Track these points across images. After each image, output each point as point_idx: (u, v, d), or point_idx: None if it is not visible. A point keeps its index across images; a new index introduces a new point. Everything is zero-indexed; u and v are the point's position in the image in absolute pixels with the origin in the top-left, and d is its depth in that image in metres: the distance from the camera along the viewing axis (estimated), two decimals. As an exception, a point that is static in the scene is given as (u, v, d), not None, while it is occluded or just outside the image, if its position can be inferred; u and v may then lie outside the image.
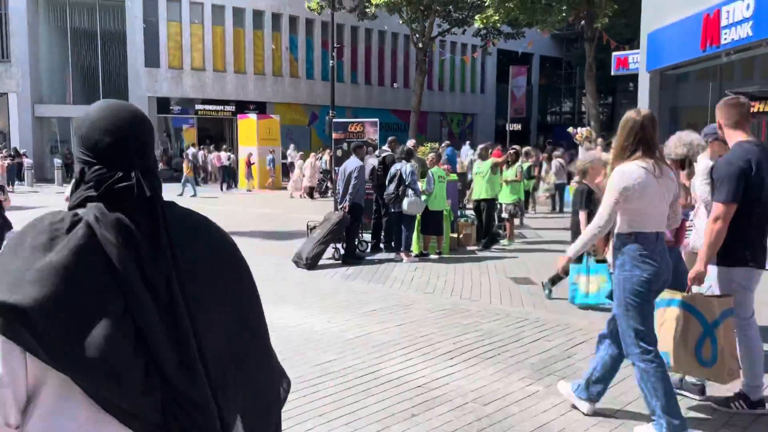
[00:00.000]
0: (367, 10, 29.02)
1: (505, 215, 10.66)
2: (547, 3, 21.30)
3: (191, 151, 28.21)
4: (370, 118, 11.83)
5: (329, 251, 9.20)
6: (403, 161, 9.12)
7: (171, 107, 31.18)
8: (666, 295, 3.76)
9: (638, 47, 28.55)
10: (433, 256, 9.59)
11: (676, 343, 3.74)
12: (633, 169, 3.39)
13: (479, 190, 10.19)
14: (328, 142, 31.72)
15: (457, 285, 7.90)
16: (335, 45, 28.48)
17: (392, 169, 9.11)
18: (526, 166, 11.57)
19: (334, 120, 12.05)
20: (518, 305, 7.03)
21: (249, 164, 24.95)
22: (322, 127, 35.50)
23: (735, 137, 3.76)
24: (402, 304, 6.95)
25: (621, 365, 3.95)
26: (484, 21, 21.72)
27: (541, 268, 8.80)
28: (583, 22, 23.13)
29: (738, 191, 3.59)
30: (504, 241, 10.56)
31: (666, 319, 3.79)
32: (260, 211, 16.60)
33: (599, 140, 16.09)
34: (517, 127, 43.15)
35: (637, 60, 16.19)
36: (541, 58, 46.40)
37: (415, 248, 9.63)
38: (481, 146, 10.69)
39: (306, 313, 6.59)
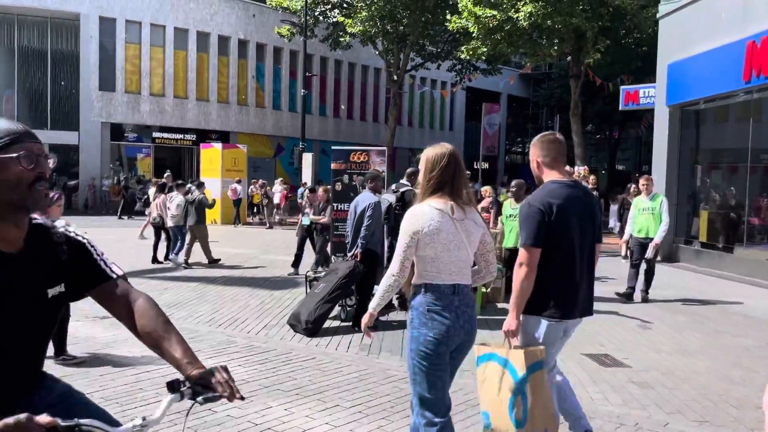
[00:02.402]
0: (342, 39, 27.69)
1: None
2: (537, 37, 20.32)
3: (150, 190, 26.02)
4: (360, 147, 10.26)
5: (335, 309, 7.45)
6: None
7: (126, 134, 28.94)
8: (487, 348, 3.56)
9: (627, 83, 28.08)
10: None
11: (492, 401, 3.51)
12: (425, 211, 3.12)
13: (513, 237, 8.51)
14: (294, 174, 30.13)
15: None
16: (307, 74, 27.05)
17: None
18: None
19: (334, 147, 10.36)
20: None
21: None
22: (288, 160, 33.82)
23: (549, 176, 3.56)
24: (471, 403, 4.84)
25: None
26: (471, 53, 20.60)
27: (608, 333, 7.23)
28: (569, 58, 22.32)
29: (538, 234, 3.41)
30: None
31: (487, 375, 3.55)
32: (235, 251, 14.66)
33: (591, 178, 15.00)
34: (486, 165, 42.66)
35: (649, 94, 15.15)
36: (509, 98, 46.04)
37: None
38: (514, 184, 8.98)
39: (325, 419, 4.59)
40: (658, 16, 14.14)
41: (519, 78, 45.08)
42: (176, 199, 12.10)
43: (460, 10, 19.97)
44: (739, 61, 10.66)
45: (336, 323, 7.52)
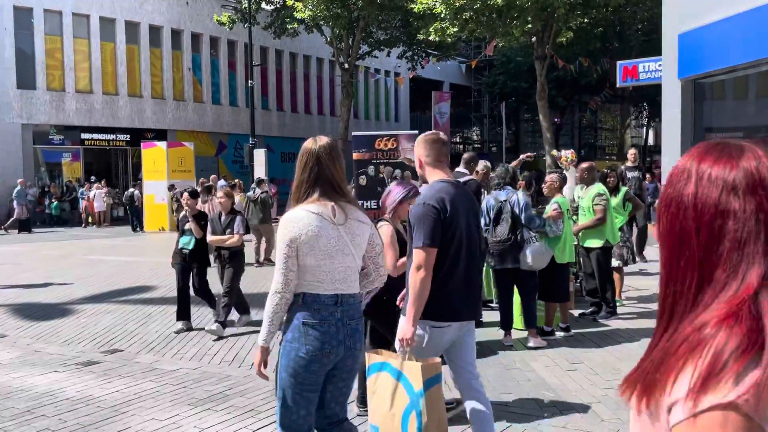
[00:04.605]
0: (288, 26, 25.84)
1: (617, 262, 7.68)
2: (506, 16, 19.27)
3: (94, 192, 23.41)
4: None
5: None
6: (508, 188, 6.05)
7: (50, 136, 26.05)
8: (380, 357, 3.37)
9: (585, 65, 27.40)
10: (559, 334, 6.46)
11: (384, 416, 3.30)
12: (300, 216, 2.80)
13: (595, 233, 7.14)
14: (241, 174, 28.03)
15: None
16: (254, 65, 25.11)
17: (488, 202, 6.03)
18: (623, 191, 8.22)
19: (354, 133, 8.76)
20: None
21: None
22: (232, 158, 31.65)
23: (434, 175, 3.44)
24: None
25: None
26: (440, 33, 19.35)
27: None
28: (534, 38, 21.44)
29: (435, 234, 3.21)
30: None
31: (378, 387, 3.34)
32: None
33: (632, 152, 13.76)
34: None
35: (649, 68, 14.26)
36: (450, 86, 45.22)
37: (518, 322, 6.53)
38: (583, 166, 7.54)
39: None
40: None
41: (459, 66, 44.35)
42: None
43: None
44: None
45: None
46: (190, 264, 7.17)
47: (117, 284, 10.59)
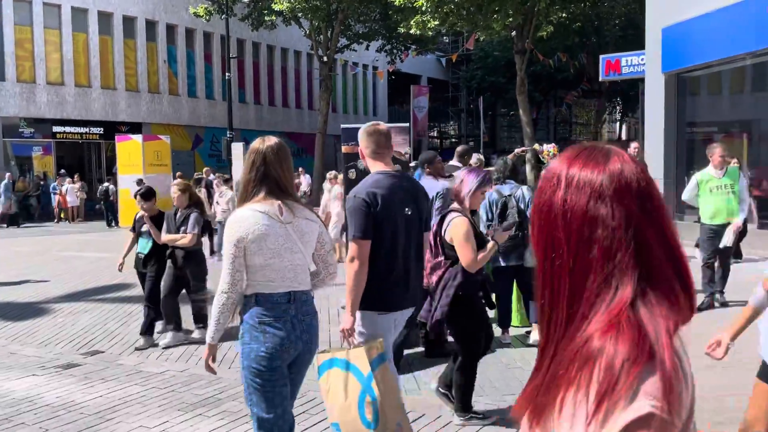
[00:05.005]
0: (266, 18, 25.44)
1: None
2: (486, 9, 19.18)
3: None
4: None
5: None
6: (511, 182, 5.89)
7: (20, 129, 25.34)
8: (327, 355, 3.36)
9: (563, 60, 27.38)
10: None
11: (341, 408, 3.30)
12: (247, 216, 2.84)
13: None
14: (217, 167, 27.55)
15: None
16: (231, 57, 24.71)
17: (491, 196, 5.84)
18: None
19: (343, 126, 8.53)
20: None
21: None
22: (208, 152, 31.17)
23: (375, 166, 3.51)
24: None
25: None
26: (420, 27, 19.19)
27: None
28: (514, 33, 21.39)
29: (367, 226, 3.29)
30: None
31: (331, 384, 3.33)
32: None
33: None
34: (410, 150, 41.60)
35: (632, 62, 14.27)
36: (428, 80, 45.11)
37: (515, 320, 6.41)
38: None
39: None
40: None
41: (437, 60, 44.23)
42: (227, 194, 12.12)
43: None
44: (758, 19, 9.83)
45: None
46: (146, 268, 6.58)
47: (94, 282, 10.27)
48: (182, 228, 6.38)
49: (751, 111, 12.00)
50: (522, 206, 5.77)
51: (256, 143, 2.96)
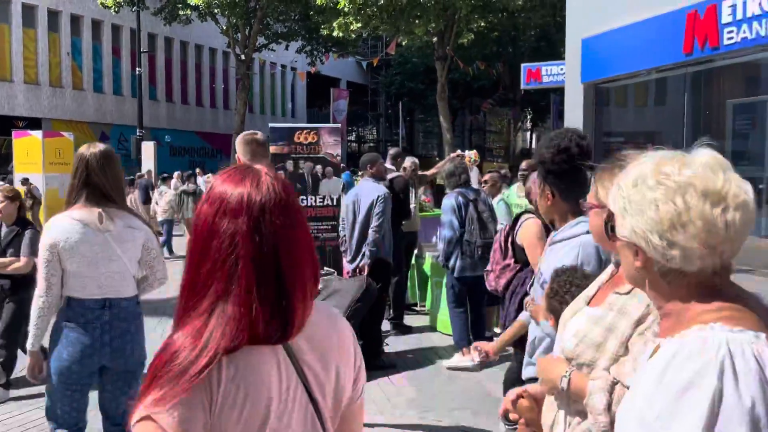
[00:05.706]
0: (180, 12, 24.40)
1: None
2: (408, 14, 19.16)
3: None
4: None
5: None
6: (473, 186, 5.63)
7: None
8: None
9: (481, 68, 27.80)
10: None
11: None
12: (62, 224, 2.87)
13: None
14: (125, 167, 26.17)
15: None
16: (141, 51, 23.54)
17: (458, 200, 5.47)
18: None
19: (271, 125, 8.04)
20: None
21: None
22: (115, 151, 29.47)
23: None
24: None
25: None
26: (343, 29, 18.90)
27: None
28: (435, 39, 21.50)
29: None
30: None
31: None
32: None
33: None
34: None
35: (552, 72, 14.52)
36: (348, 84, 44.90)
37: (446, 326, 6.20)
38: (523, 165, 6.99)
39: None
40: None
41: (357, 64, 44.11)
42: (167, 192, 12.03)
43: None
44: (677, 32, 10.17)
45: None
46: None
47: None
48: (9, 249, 4.81)
49: (654, 123, 12.48)
50: (486, 208, 5.56)
51: (82, 149, 2.96)
